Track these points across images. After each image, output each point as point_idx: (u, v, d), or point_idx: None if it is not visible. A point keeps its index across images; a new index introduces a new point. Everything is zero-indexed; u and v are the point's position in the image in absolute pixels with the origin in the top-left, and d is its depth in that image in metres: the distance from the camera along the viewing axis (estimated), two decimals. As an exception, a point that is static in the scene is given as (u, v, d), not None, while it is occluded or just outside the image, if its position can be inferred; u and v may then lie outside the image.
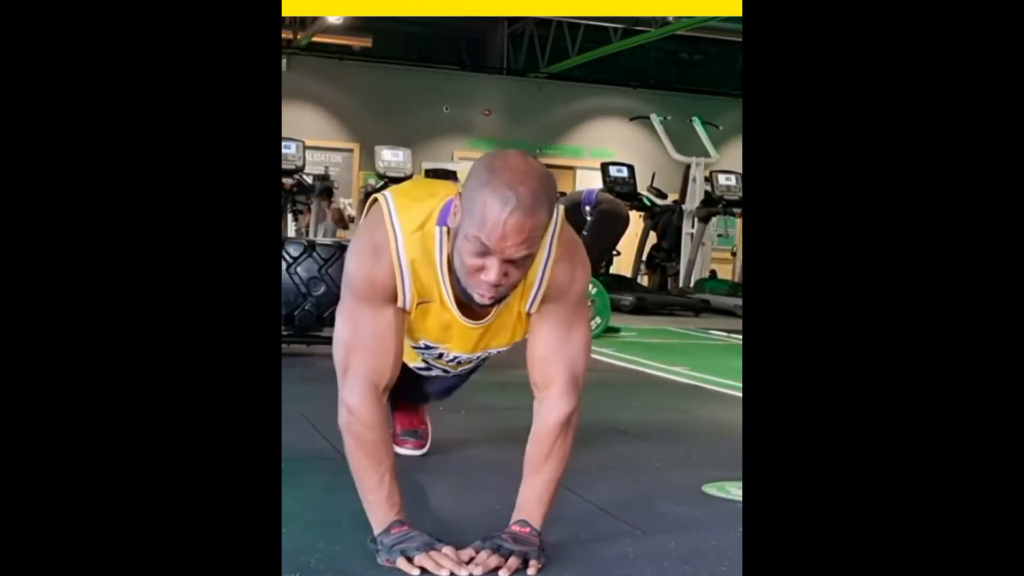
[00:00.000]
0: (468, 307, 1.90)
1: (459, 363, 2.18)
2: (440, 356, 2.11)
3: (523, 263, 1.74)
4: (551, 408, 1.93)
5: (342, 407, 1.87)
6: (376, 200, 1.91)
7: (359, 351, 1.88)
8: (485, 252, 1.70)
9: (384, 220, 1.86)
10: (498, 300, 1.82)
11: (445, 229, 1.83)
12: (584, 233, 7.84)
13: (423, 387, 2.50)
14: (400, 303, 1.88)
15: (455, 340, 2.02)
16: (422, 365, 2.22)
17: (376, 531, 1.84)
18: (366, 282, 1.87)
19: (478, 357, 2.14)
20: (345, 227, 10.92)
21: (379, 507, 1.85)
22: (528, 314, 1.95)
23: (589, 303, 6.50)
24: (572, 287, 1.94)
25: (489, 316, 1.94)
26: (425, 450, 2.72)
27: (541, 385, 1.95)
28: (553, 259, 1.89)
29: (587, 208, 7.85)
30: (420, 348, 2.09)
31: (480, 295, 1.77)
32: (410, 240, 1.84)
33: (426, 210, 1.86)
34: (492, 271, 1.71)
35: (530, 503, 1.91)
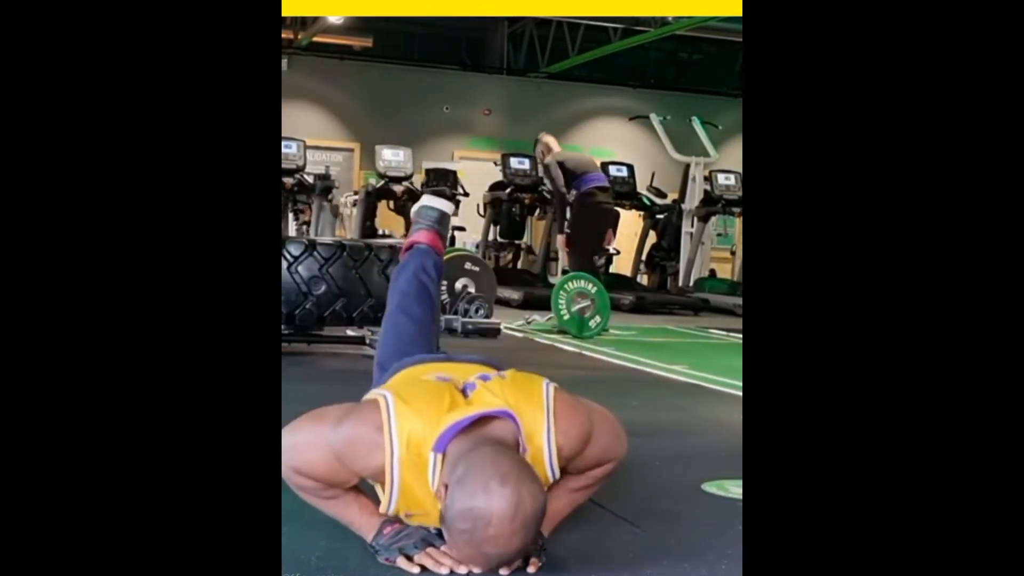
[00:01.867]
0: None
1: None
2: None
3: (514, 557, 1.72)
4: (607, 465, 1.96)
5: (285, 466, 1.78)
6: (376, 401, 1.80)
7: (300, 462, 1.79)
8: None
9: (382, 424, 1.76)
10: None
11: (440, 457, 1.73)
12: (567, 229, 7.77)
13: None
14: (383, 508, 1.81)
15: None
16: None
17: (369, 539, 1.84)
18: (346, 459, 1.77)
19: None
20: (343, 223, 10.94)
21: (360, 522, 1.86)
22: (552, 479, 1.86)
23: (589, 303, 6.46)
24: (579, 440, 1.87)
25: None
26: None
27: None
28: (554, 441, 1.81)
29: (573, 192, 7.65)
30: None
31: None
32: (404, 457, 1.74)
33: (425, 428, 1.75)
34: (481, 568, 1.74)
35: (548, 513, 1.89)
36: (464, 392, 1.83)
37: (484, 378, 1.88)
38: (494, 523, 1.61)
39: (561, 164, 7.58)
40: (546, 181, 8.83)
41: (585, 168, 7.49)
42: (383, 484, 1.78)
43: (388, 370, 2.14)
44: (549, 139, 7.97)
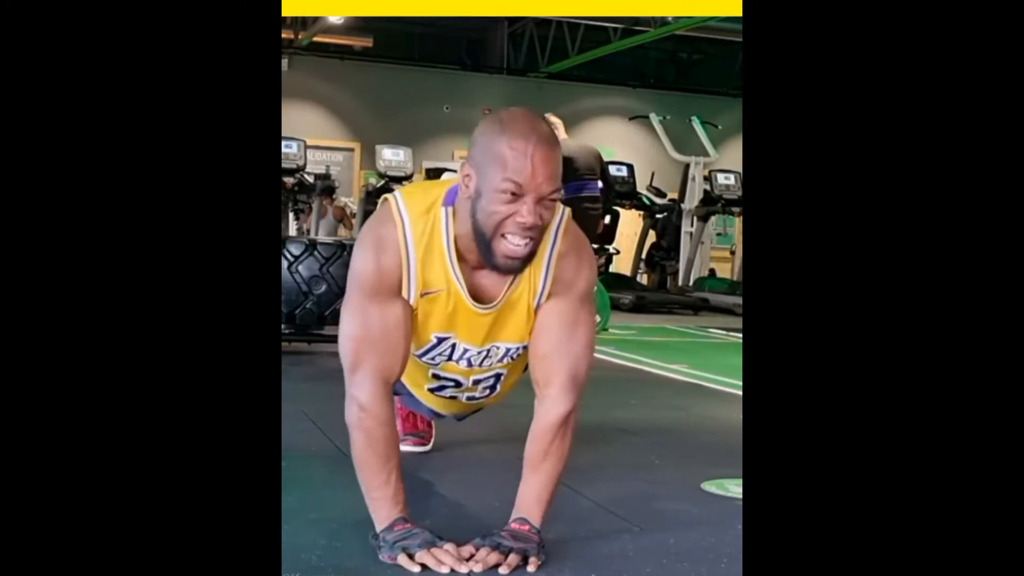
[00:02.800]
0: (477, 293, 1.90)
1: (470, 364, 2.07)
2: (451, 355, 2.04)
3: (551, 203, 1.77)
4: (550, 407, 1.93)
5: (351, 403, 1.87)
6: (385, 199, 1.92)
7: (368, 347, 1.87)
8: (517, 194, 1.73)
9: (391, 210, 1.87)
10: (529, 258, 1.81)
11: (451, 210, 1.84)
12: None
13: (433, 408, 2.45)
14: (405, 293, 1.88)
15: (463, 328, 1.97)
16: (435, 384, 2.15)
17: (379, 527, 1.84)
18: (373, 275, 1.87)
19: (488, 355, 2.05)
20: (349, 226, 10.92)
21: (383, 504, 1.86)
22: (536, 309, 1.94)
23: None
24: (577, 282, 1.94)
25: (498, 300, 1.92)
26: (427, 448, 2.73)
27: (542, 383, 1.95)
28: (558, 252, 1.89)
29: (570, 196, 7.51)
30: (431, 348, 2.01)
31: (511, 249, 1.77)
32: (416, 224, 1.85)
33: (432, 196, 1.87)
34: (526, 210, 1.73)
35: (529, 501, 1.91)
36: None
37: None
38: (517, 112, 1.78)
39: (567, 160, 7.33)
40: None
41: (583, 172, 7.34)
42: (403, 271, 1.85)
43: None
44: (556, 121, 7.79)
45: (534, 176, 1.72)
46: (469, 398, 2.20)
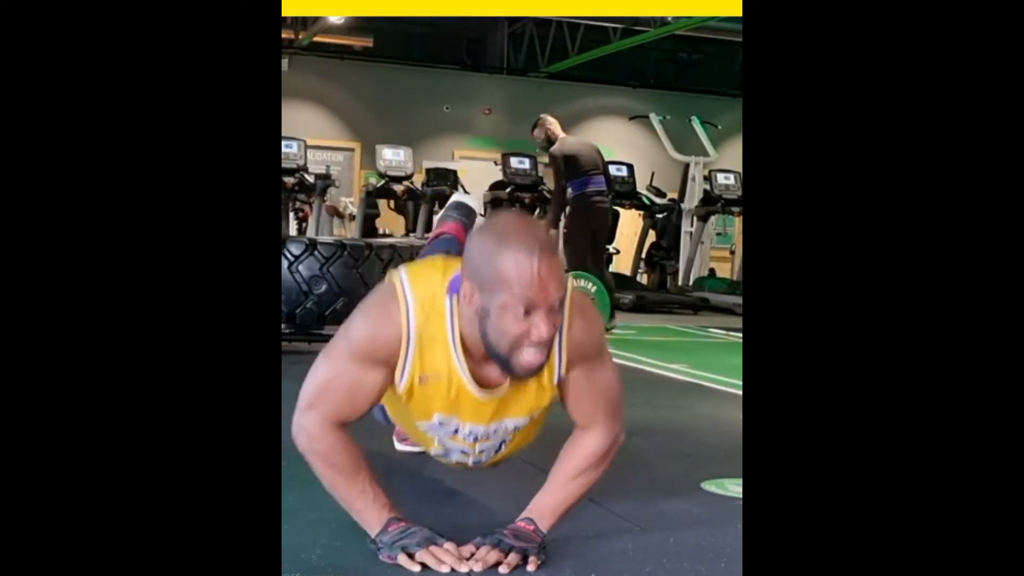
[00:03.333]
0: (481, 380, 1.85)
1: (476, 439, 1.99)
2: (455, 432, 1.97)
3: (561, 308, 1.74)
4: (595, 437, 1.94)
5: (300, 432, 1.84)
6: (391, 276, 1.87)
7: (330, 397, 1.84)
8: (530, 309, 1.67)
9: (396, 291, 1.82)
10: (547, 359, 1.78)
11: (456, 299, 1.78)
12: (564, 228, 7.48)
13: None
14: (396, 377, 1.83)
15: (467, 411, 1.91)
16: (440, 450, 2.07)
17: (373, 534, 1.84)
18: (365, 344, 1.82)
19: (495, 431, 1.98)
20: (342, 216, 10.93)
21: (369, 513, 1.85)
22: (556, 383, 1.89)
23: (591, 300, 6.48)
24: (590, 341, 1.89)
25: (503, 387, 1.88)
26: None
27: (583, 424, 1.95)
28: (567, 326, 1.84)
29: (577, 192, 7.31)
30: (434, 426, 1.96)
31: (530, 360, 1.72)
32: (420, 311, 1.79)
33: (437, 281, 1.82)
34: (543, 325, 1.68)
35: (545, 508, 1.91)
36: None
37: None
38: (511, 221, 1.72)
39: (568, 158, 7.22)
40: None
41: (588, 168, 7.21)
42: (399, 356, 1.81)
43: None
44: (551, 123, 7.66)
45: (543, 289, 1.66)
46: (475, 462, 2.13)
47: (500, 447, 2.06)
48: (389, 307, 1.81)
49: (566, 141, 7.35)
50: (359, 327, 1.85)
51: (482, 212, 2.88)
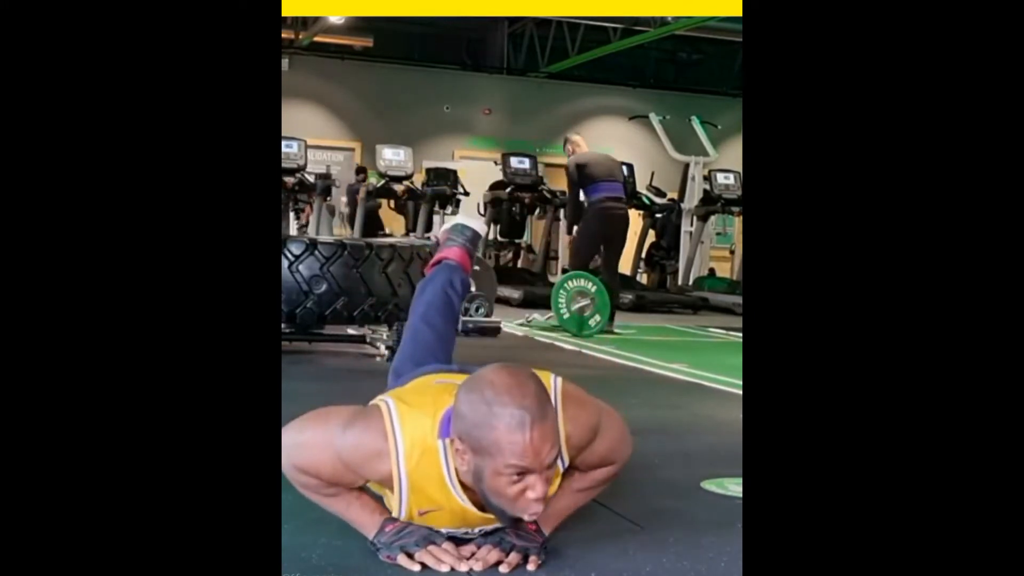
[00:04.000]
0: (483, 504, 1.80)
1: (487, 534, 1.91)
2: (466, 533, 1.91)
3: (555, 462, 1.72)
4: (611, 466, 1.97)
5: (283, 463, 1.79)
6: (377, 406, 1.82)
7: (312, 468, 1.81)
8: (524, 473, 1.66)
9: (386, 429, 1.77)
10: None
11: (449, 443, 1.74)
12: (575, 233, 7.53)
13: None
14: (395, 512, 1.81)
15: (475, 521, 1.86)
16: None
17: (370, 537, 1.85)
18: (355, 463, 1.78)
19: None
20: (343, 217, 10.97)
21: (362, 520, 1.86)
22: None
23: (589, 301, 6.44)
24: (588, 427, 1.87)
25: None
26: None
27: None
28: (563, 429, 1.79)
29: (589, 197, 7.35)
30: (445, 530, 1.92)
31: (530, 512, 1.70)
32: (411, 454, 1.75)
33: (428, 420, 1.77)
34: (538, 487, 1.67)
35: (551, 512, 1.90)
36: None
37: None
38: (502, 388, 1.64)
39: (580, 167, 7.27)
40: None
41: (602, 176, 7.22)
42: (392, 489, 1.78)
43: (402, 377, 2.15)
44: (577, 139, 7.76)
45: (537, 456, 1.64)
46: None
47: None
48: (380, 445, 1.76)
49: (581, 152, 7.41)
50: (352, 445, 1.78)
51: (453, 210, 2.84)
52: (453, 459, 1.73)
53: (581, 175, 7.23)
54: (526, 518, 1.73)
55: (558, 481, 1.86)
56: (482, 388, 1.66)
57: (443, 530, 1.85)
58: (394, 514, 1.82)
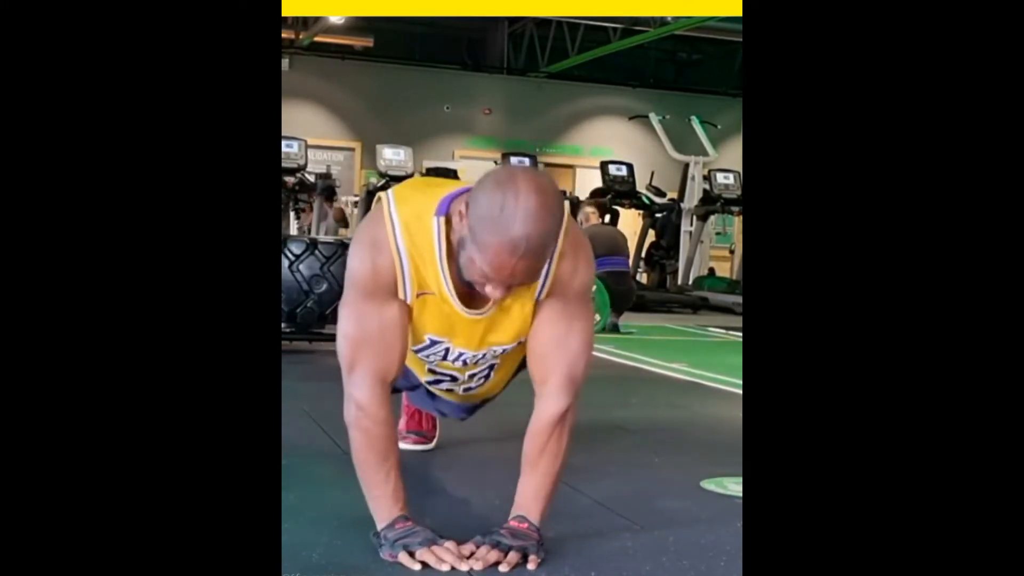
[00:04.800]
0: (469, 297, 1.90)
1: (465, 364, 2.10)
2: (445, 356, 2.06)
3: (530, 283, 1.78)
4: (547, 404, 1.93)
5: (349, 402, 1.88)
6: (379, 199, 1.92)
7: (365, 347, 1.88)
8: (490, 280, 1.73)
9: (383, 213, 1.86)
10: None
11: (443, 220, 1.83)
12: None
13: (439, 407, 2.51)
14: (401, 295, 1.88)
15: (458, 333, 1.99)
16: (431, 378, 2.15)
17: (380, 526, 1.85)
18: (369, 276, 1.87)
19: (483, 356, 2.07)
20: (346, 225, 10.91)
21: (384, 502, 1.86)
22: (534, 306, 1.94)
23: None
24: (574, 282, 1.93)
25: (490, 305, 1.92)
26: (429, 447, 2.74)
27: (539, 380, 1.95)
28: (559, 253, 1.88)
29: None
30: (426, 347, 2.04)
31: (490, 295, 1.79)
32: (407, 230, 1.84)
33: (425, 202, 1.86)
34: (499, 292, 1.76)
35: (527, 499, 1.92)
36: None
37: None
38: (522, 198, 1.66)
39: (588, 239, 7.28)
40: None
41: (604, 252, 7.25)
42: (398, 275, 1.86)
43: None
44: (590, 211, 7.87)
45: (510, 278, 1.72)
46: (466, 389, 2.23)
47: (489, 374, 2.13)
48: (377, 233, 1.86)
49: (591, 225, 7.59)
50: (358, 263, 1.89)
51: None
52: (446, 239, 1.82)
53: None
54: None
55: (528, 323, 1.94)
56: (506, 191, 1.68)
57: (427, 338, 1.97)
58: (401, 295, 1.88)
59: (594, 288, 6.55)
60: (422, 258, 1.85)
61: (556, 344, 1.94)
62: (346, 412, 1.88)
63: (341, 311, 1.93)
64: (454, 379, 2.14)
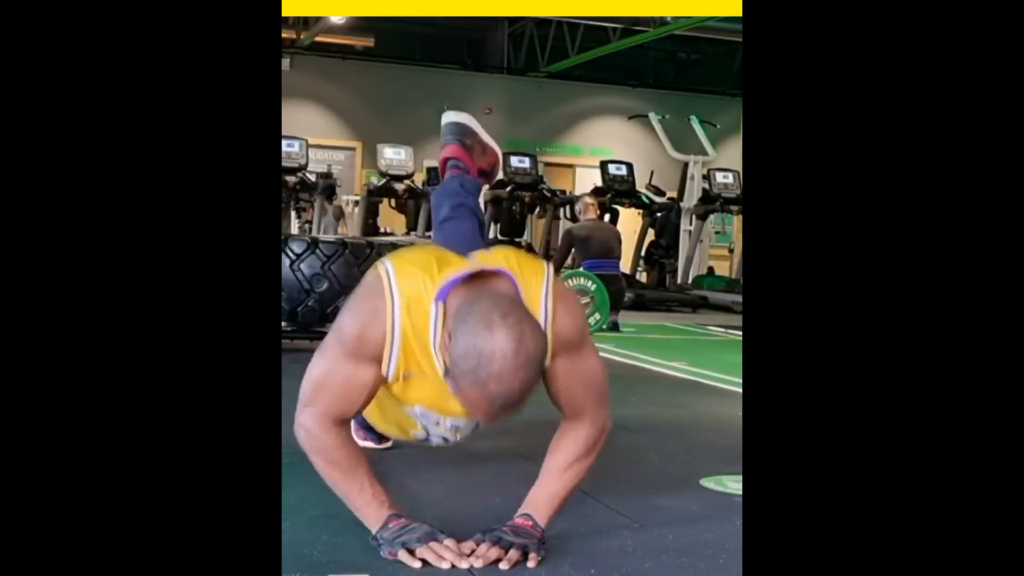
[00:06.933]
0: None
1: (457, 430, 2.05)
2: (437, 423, 2.02)
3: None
4: (583, 427, 1.94)
5: (299, 429, 1.86)
6: (378, 268, 1.86)
7: (326, 393, 1.86)
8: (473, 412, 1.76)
9: (383, 285, 1.81)
10: None
11: (442, 306, 1.78)
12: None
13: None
14: (383, 371, 1.84)
15: (452, 408, 1.92)
16: (422, 434, 2.09)
17: (374, 531, 1.85)
18: (356, 342, 1.83)
19: (475, 423, 2.03)
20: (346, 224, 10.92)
21: (369, 510, 1.87)
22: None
23: (588, 300, 6.44)
24: (574, 331, 1.90)
25: None
26: (388, 445, 2.68)
27: (571, 415, 1.95)
28: (552, 315, 1.84)
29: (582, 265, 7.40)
30: (415, 413, 1.99)
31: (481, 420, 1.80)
32: (407, 310, 1.79)
33: (426, 281, 1.80)
34: (484, 420, 1.80)
35: (540, 502, 1.91)
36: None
37: (485, 250, 1.94)
38: (498, 358, 1.61)
39: (583, 239, 7.34)
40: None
41: (598, 253, 7.24)
42: (385, 351, 1.81)
43: None
44: (591, 203, 7.83)
45: (494, 417, 1.74)
46: (454, 442, 2.16)
47: (477, 426, 2.09)
48: (376, 303, 1.81)
49: (589, 217, 7.53)
50: (348, 324, 1.85)
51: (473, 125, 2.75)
52: (441, 325, 1.77)
53: (578, 247, 7.42)
54: None
55: None
56: (483, 343, 1.62)
57: (417, 408, 1.92)
58: (384, 372, 1.83)
59: (594, 287, 6.51)
60: (418, 340, 1.80)
61: (581, 384, 1.93)
62: (298, 438, 1.86)
63: (318, 353, 1.89)
64: (445, 439, 2.09)
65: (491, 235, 10.37)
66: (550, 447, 1.96)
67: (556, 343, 1.85)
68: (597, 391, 1.95)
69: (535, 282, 1.84)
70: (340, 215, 11.16)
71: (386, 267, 1.84)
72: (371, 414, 2.01)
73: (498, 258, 1.86)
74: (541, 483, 1.94)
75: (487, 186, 9.70)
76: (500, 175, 10.11)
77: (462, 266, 1.81)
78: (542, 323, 1.80)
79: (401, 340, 1.80)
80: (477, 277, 1.79)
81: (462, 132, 2.66)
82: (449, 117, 2.68)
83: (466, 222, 2.40)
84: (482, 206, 10.23)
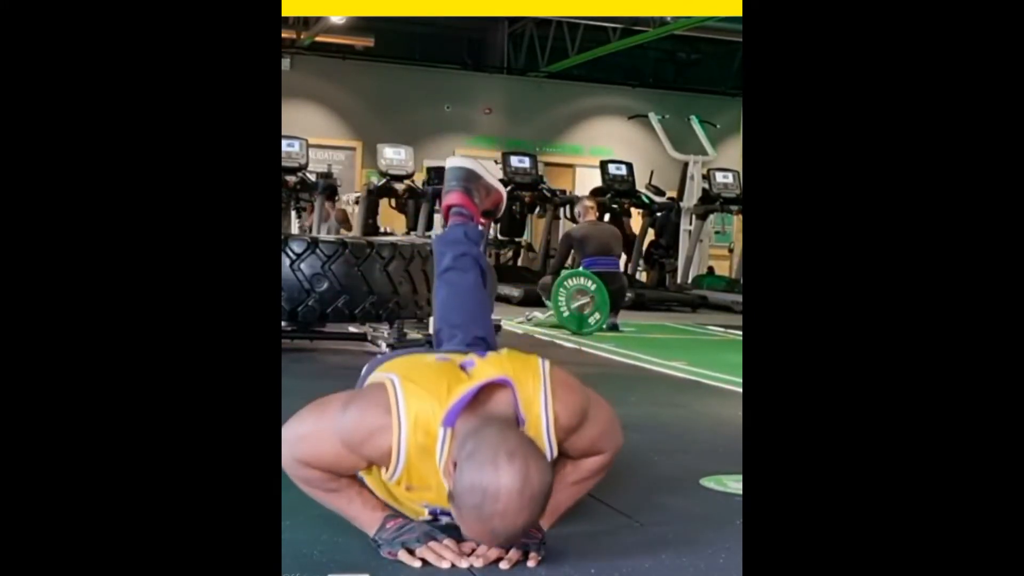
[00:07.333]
0: None
1: None
2: (447, 513, 1.91)
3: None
4: (601, 456, 1.99)
5: (283, 459, 1.81)
6: (383, 382, 1.83)
7: (312, 457, 1.84)
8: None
9: (390, 405, 1.79)
10: None
11: (450, 432, 1.76)
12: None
13: None
14: (386, 478, 1.83)
15: None
16: (429, 516, 1.99)
17: (372, 534, 1.86)
18: (357, 443, 1.80)
19: None
20: (349, 228, 10.90)
21: (363, 517, 1.87)
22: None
23: (588, 299, 6.43)
24: (577, 416, 1.90)
25: None
26: None
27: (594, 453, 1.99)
28: (553, 417, 1.84)
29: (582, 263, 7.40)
30: (422, 505, 1.94)
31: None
32: (414, 432, 1.78)
33: (433, 402, 1.79)
34: (491, 554, 1.80)
35: (547, 507, 1.91)
36: (464, 369, 1.86)
37: (481, 355, 1.93)
38: (503, 498, 1.63)
39: (581, 239, 7.37)
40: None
41: (596, 251, 7.26)
42: (387, 465, 1.80)
43: (443, 345, 2.20)
44: (590, 205, 7.85)
45: (499, 548, 1.78)
46: None
47: None
48: (382, 420, 1.78)
49: (588, 220, 7.58)
50: (353, 423, 1.81)
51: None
52: (449, 450, 1.76)
53: (576, 247, 7.47)
54: None
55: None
56: (487, 481, 1.64)
57: (429, 510, 1.89)
58: (386, 478, 1.83)
59: (593, 287, 6.53)
60: (422, 460, 1.79)
61: (595, 441, 1.97)
62: (284, 464, 1.83)
63: (315, 413, 1.87)
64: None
65: (491, 235, 10.37)
66: (564, 458, 1.96)
67: (562, 432, 1.87)
68: (611, 435, 2.00)
69: (532, 385, 1.84)
70: (344, 219, 11.11)
71: (394, 384, 1.81)
72: (376, 490, 2.00)
73: (496, 367, 1.85)
74: (553, 488, 1.92)
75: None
76: (500, 175, 10.15)
77: (465, 385, 1.79)
78: (544, 424, 1.83)
79: (406, 459, 1.79)
80: (481, 392, 1.79)
81: (466, 178, 2.64)
82: (453, 163, 2.67)
83: (469, 273, 2.39)
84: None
